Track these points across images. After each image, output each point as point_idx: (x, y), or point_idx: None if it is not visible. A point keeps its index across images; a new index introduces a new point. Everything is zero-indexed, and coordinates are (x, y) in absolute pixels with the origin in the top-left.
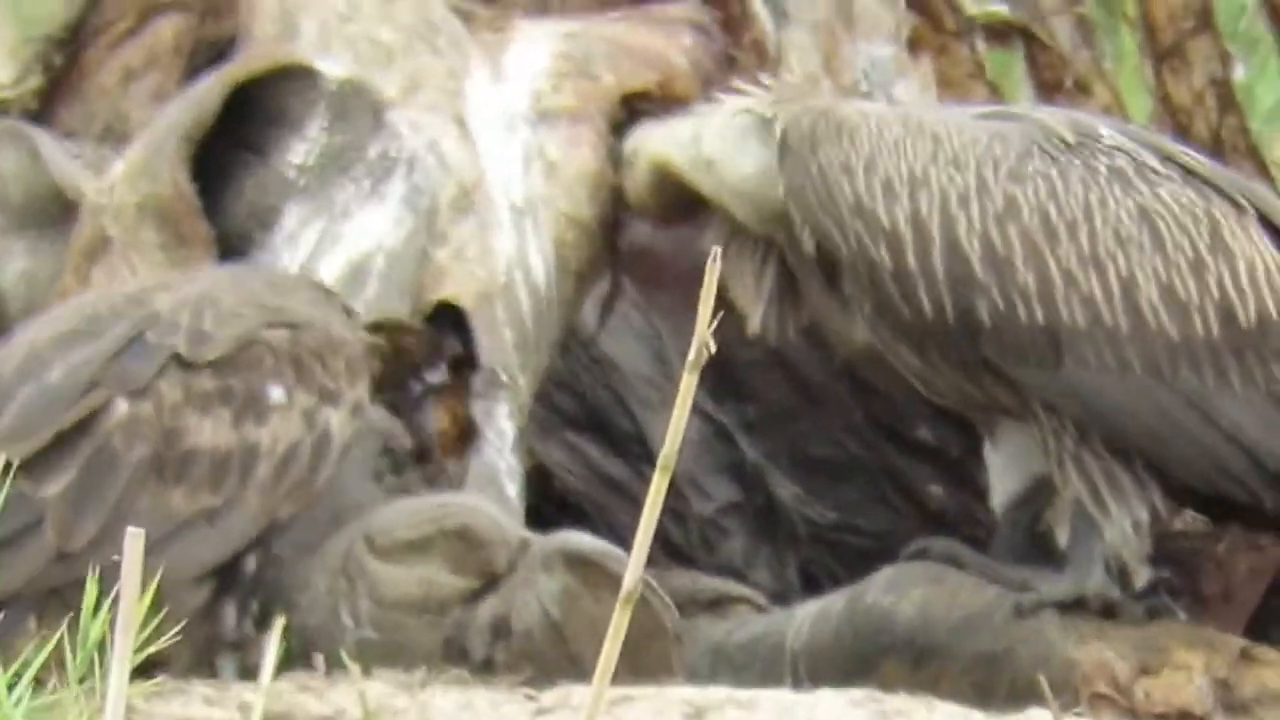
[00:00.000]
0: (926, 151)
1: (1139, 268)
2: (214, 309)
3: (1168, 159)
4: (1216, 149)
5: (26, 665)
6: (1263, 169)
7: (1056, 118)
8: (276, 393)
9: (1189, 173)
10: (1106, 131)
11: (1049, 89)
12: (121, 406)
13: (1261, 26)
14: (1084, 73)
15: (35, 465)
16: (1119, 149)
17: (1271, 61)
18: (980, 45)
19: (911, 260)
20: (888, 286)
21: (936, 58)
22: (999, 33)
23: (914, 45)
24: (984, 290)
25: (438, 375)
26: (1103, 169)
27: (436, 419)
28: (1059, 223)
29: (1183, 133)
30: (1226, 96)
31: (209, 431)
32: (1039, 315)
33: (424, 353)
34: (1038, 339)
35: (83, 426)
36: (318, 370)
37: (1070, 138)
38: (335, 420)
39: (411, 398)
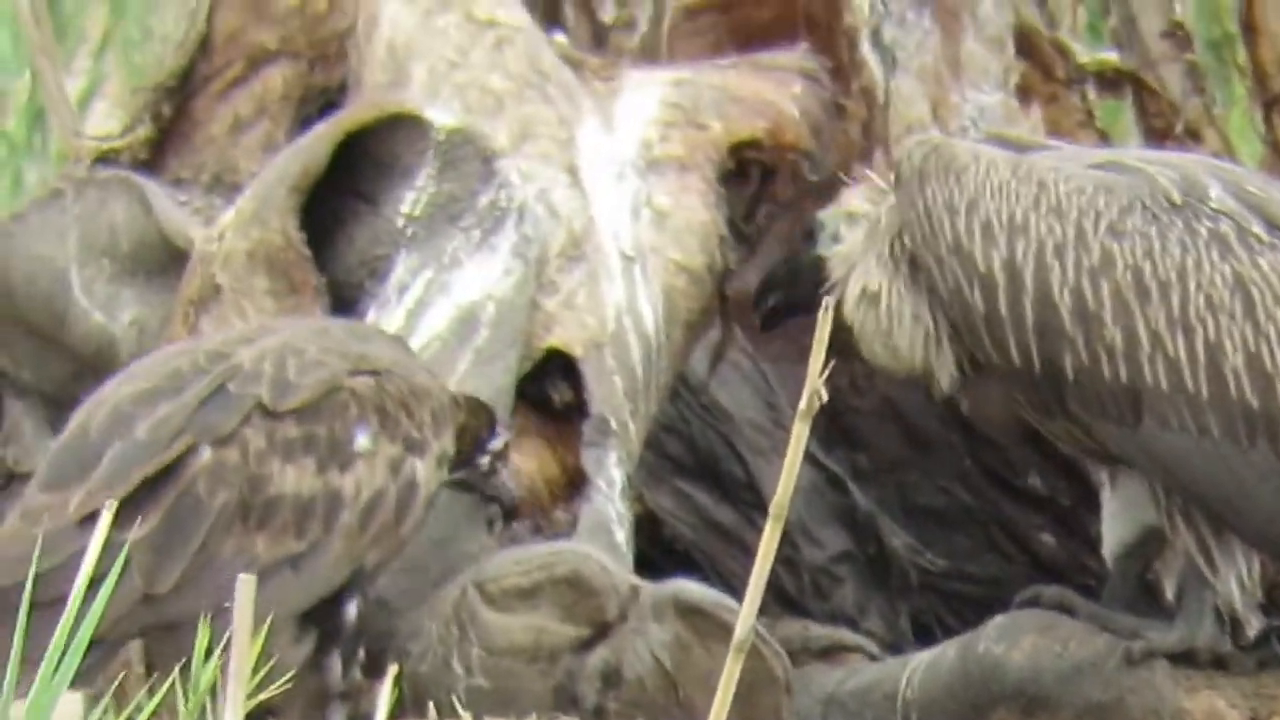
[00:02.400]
0: (1030, 197)
1: (1227, 335)
2: (297, 358)
3: (1275, 227)
4: None
5: (139, 709)
6: None
7: (1169, 174)
8: (361, 439)
9: None
10: (1215, 193)
11: (1158, 136)
12: (206, 453)
13: None
14: (1193, 119)
15: (121, 511)
16: (1225, 213)
17: None
18: (1090, 93)
19: (1003, 306)
20: (979, 330)
21: (1046, 105)
22: (1109, 80)
23: (1023, 92)
24: (1071, 342)
25: (498, 441)
26: (1204, 232)
27: (514, 481)
28: (1152, 282)
29: None
30: None
31: (293, 478)
32: (1122, 373)
33: (486, 425)
34: (1119, 396)
35: (168, 473)
36: (403, 418)
37: (1177, 197)
38: (421, 470)
39: (480, 470)
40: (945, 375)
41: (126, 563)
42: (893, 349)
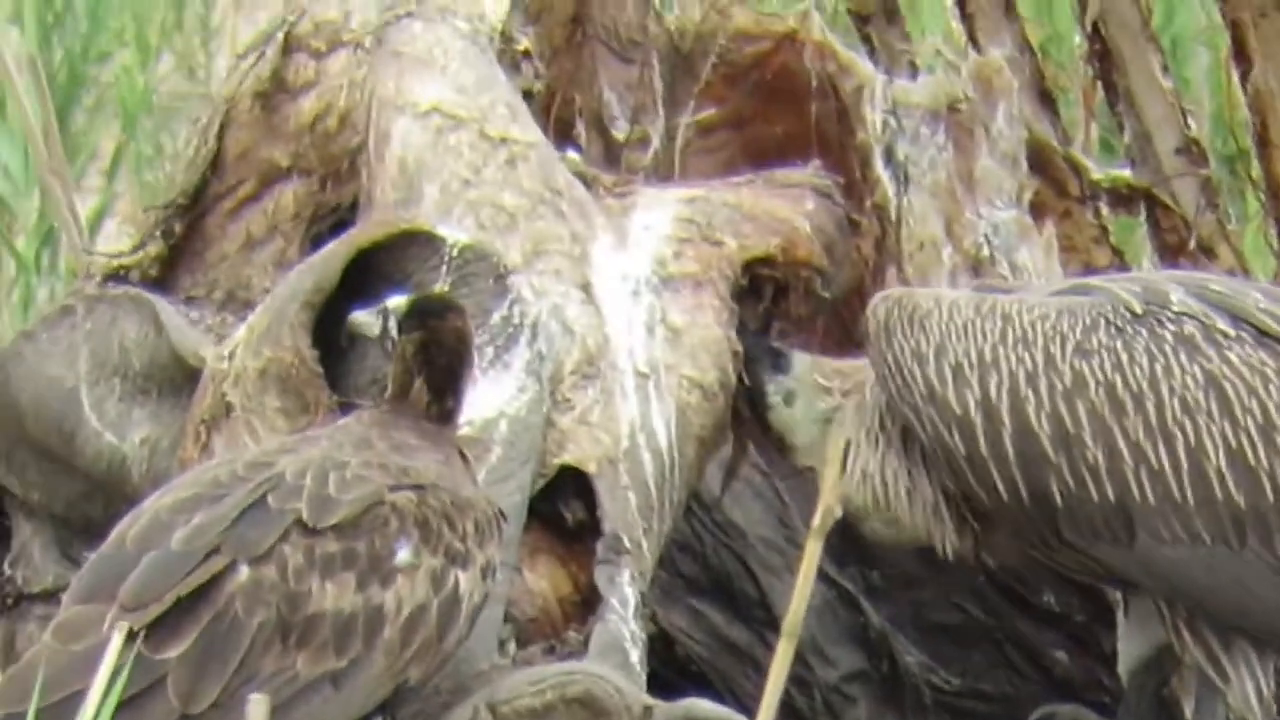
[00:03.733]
0: (996, 332)
1: (1207, 436)
2: (338, 471)
3: (1241, 320)
4: None
5: None
6: None
7: (1131, 288)
8: (402, 554)
9: (1263, 334)
10: (1177, 297)
11: (1172, 252)
12: (243, 571)
13: None
14: (1207, 235)
15: (156, 629)
16: (1188, 314)
17: None
18: (1104, 209)
19: (983, 445)
20: (964, 472)
21: (1060, 222)
22: (1123, 197)
23: (1037, 209)
24: (1055, 469)
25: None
26: (1169, 337)
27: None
28: (1125, 395)
29: None
30: None
31: (332, 595)
32: (1109, 491)
33: None
34: (1110, 516)
35: (203, 592)
36: (445, 531)
37: (1139, 307)
38: (464, 582)
39: None
40: (950, 539)
41: (161, 681)
42: (894, 522)
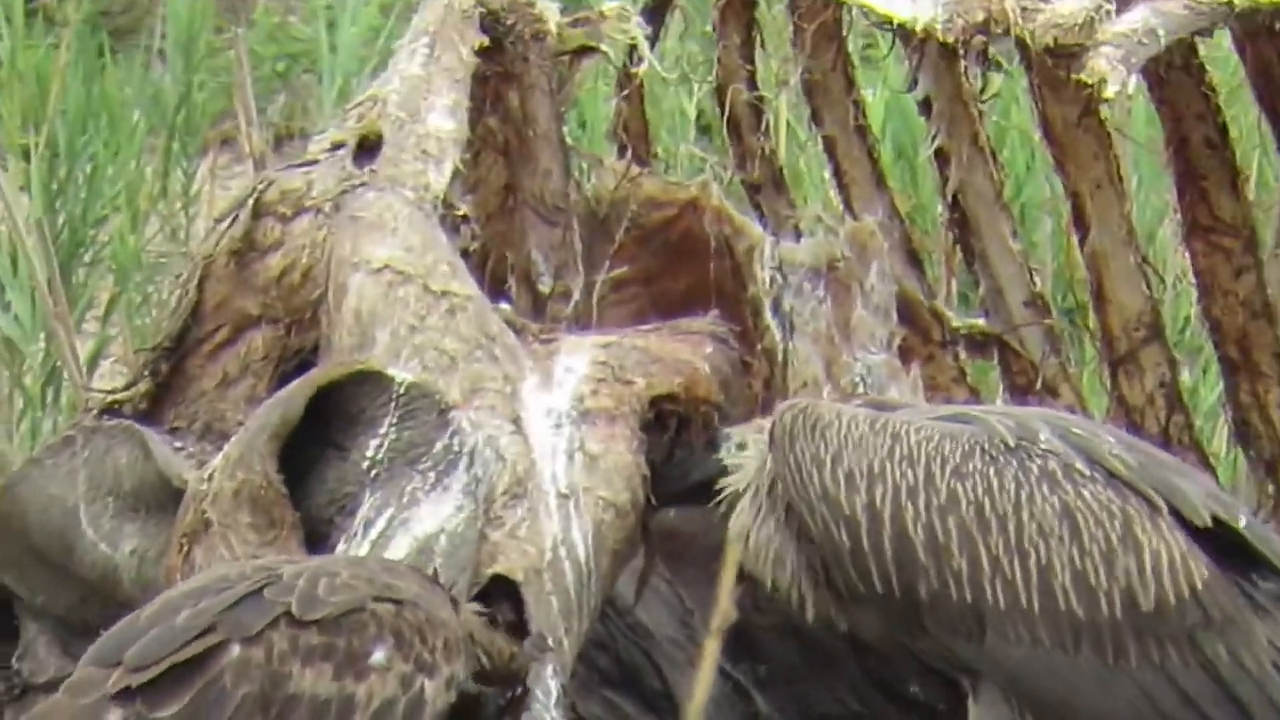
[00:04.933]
0: (885, 448)
1: (1056, 557)
2: (329, 579)
3: (1096, 463)
4: (1165, 443)
5: None
6: (1205, 461)
7: (1006, 422)
8: (377, 656)
9: (1112, 475)
10: (1045, 436)
11: (1021, 391)
12: (234, 649)
13: (1203, 336)
14: (1051, 377)
15: (153, 690)
16: (1052, 453)
17: (1212, 366)
18: (962, 353)
19: (866, 544)
20: (846, 564)
21: (924, 364)
22: (978, 343)
23: (904, 353)
24: (924, 571)
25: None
26: (1035, 470)
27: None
28: (991, 515)
29: (1136, 429)
30: (1174, 398)
31: (310, 680)
32: (968, 595)
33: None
34: (966, 615)
35: (198, 661)
36: (417, 643)
37: (1011, 441)
38: (429, 688)
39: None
40: (814, 606)
41: None
42: (769, 577)
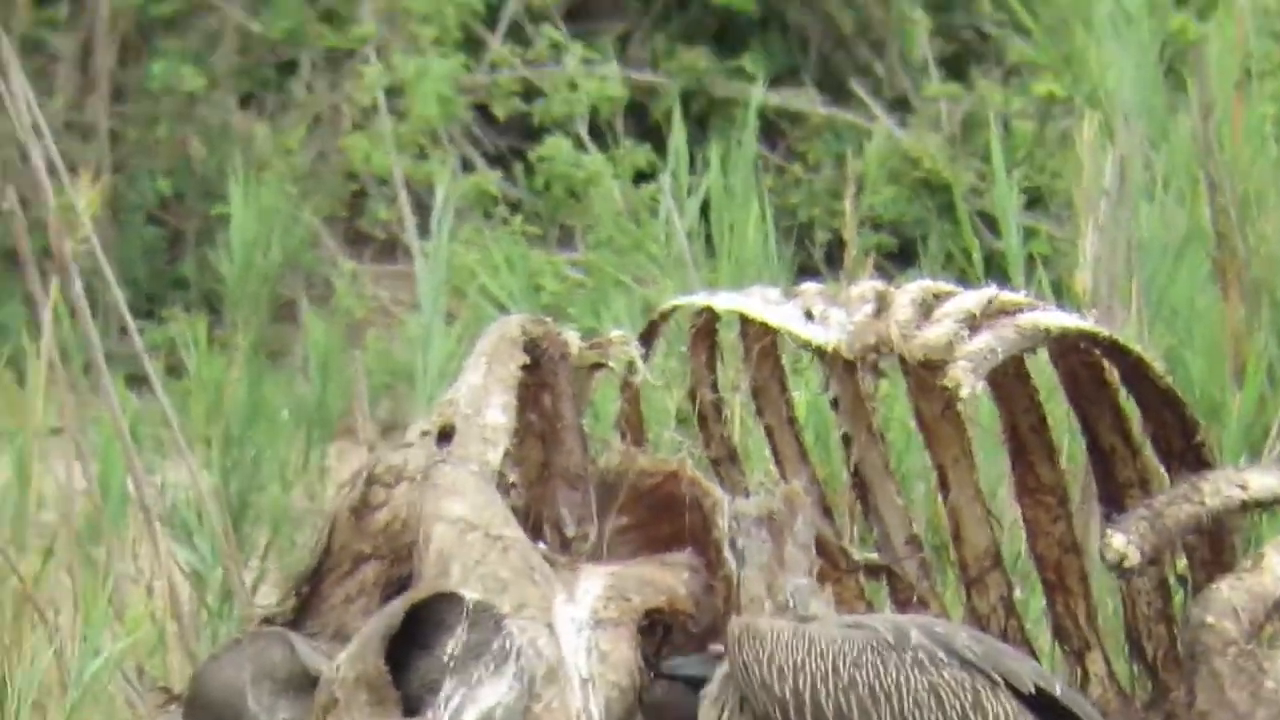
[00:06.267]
0: (804, 648)
1: (928, 718)
2: None
3: (953, 652)
4: (1004, 639)
5: None
6: (1033, 652)
7: (886, 625)
8: None
9: (965, 661)
10: (914, 636)
11: (902, 604)
12: None
13: (1031, 565)
14: (923, 594)
15: None
16: (921, 646)
17: (1037, 587)
18: (862, 578)
19: (793, 715)
20: None
21: (835, 586)
22: (872, 570)
23: (821, 577)
24: None
25: None
26: (909, 659)
27: None
28: (880, 692)
29: (984, 629)
30: (1010, 608)
31: None
32: None
33: None
34: None
35: None
36: None
37: (891, 639)
38: None
39: None
40: None
41: None
42: None
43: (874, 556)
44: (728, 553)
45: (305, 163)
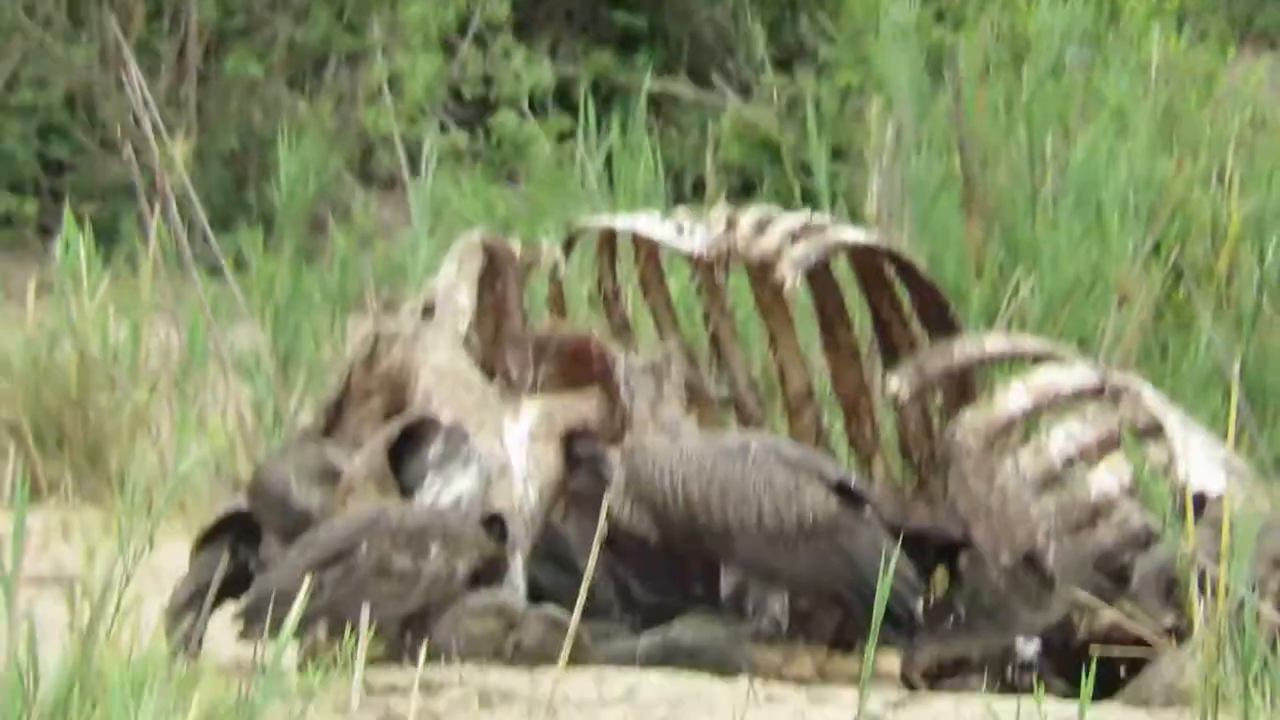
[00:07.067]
0: (676, 457)
1: (761, 498)
2: (410, 513)
3: (780, 456)
4: (816, 446)
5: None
6: (831, 452)
7: (735, 440)
8: (434, 548)
9: (788, 462)
10: (753, 446)
11: (745, 427)
12: (364, 545)
13: (834, 398)
14: (759, 420)
15: (323, 568)
16: (757, 454)
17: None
18: (717, 408)
19: (663, 500)
20: (660, 511)
21: (698, 414)
22: (724, 402)
23: (688, 408)
24: (694, 508)
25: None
26: (750, 460)
27: None
28: (729, 485)
29: (799, 439)
30: (820, 429)
31: (399, 560)
32: (714, 518)
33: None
34: (713, 530)
35: (348, 550)
36: (453, 543)
37: (736, 449)
38: (460, 566)
39: None
40: (645, 532)
41: None
42: (625, 519)
43: (725, 393)
44: (623, 392)
45: (333, 127)
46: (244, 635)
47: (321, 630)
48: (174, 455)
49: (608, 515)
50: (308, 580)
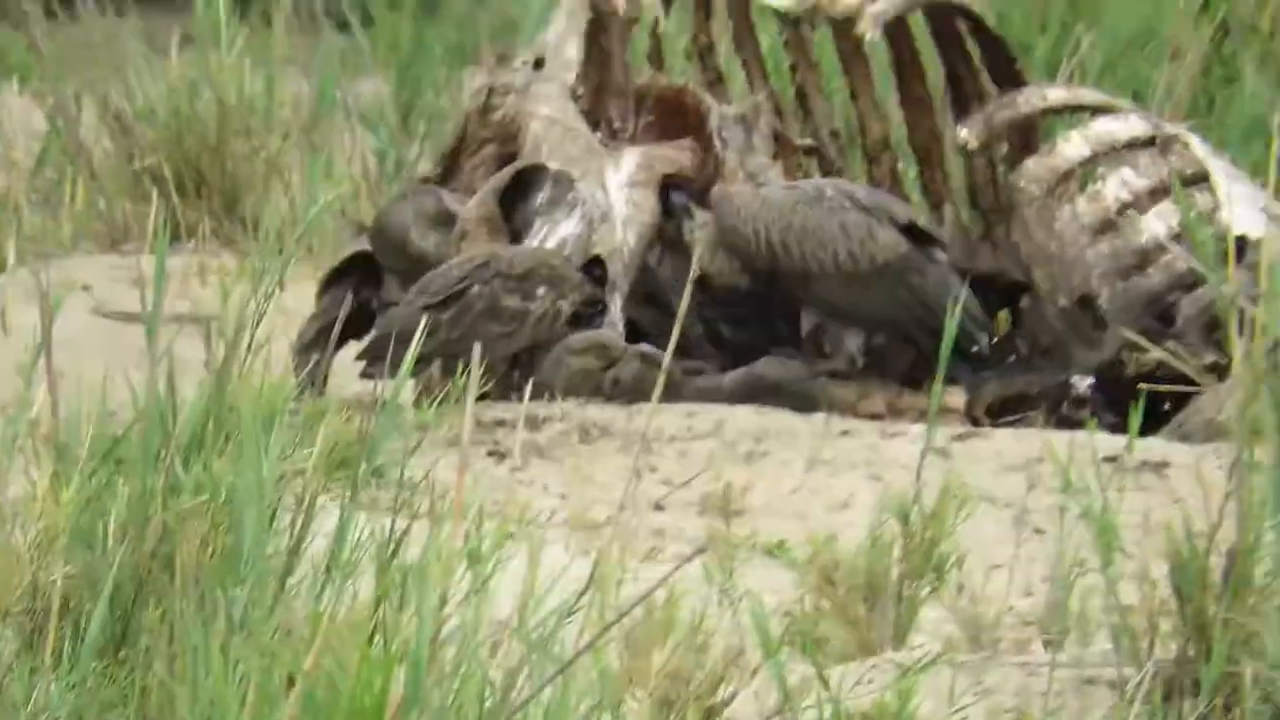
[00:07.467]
0: (759, 202)
1: (838, 239)
2: (520, 256)
3: (855, 201)
4: (891, 193)
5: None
6: (905, 198)
7: (811, 185)
8: (541, 289)
9: (863, 206)
10: (830, 191)
11: (825, 175)
12: (476, 286)
13: (908, 147)
14: (840, 167)
15: (440, 306)
16: (833, 199)
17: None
18: (800, 157)
19: (753, 242)
20: (750, 255)
21: (783, 162)
22: (807, 151)
23: (775, 157)
24: (782, 249)
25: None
26: (826, 206)
27: None
28: (808, 228)
29: (878, 186)
30: (895, 176)
31: (509, 300)
32: (799, 260)
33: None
34: (798, 272)
35: (460, 293)
36: (558, 284)
37: (814, 194)
38: (565, 305)
39: None
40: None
41: None
42: (717, 268)
43: (809, 142)
44: (715, 141)
45: None
46: (365, 375)
47: (436, 368)
48: (303, 201)
49: (698, 260)
50: (424, 321)
